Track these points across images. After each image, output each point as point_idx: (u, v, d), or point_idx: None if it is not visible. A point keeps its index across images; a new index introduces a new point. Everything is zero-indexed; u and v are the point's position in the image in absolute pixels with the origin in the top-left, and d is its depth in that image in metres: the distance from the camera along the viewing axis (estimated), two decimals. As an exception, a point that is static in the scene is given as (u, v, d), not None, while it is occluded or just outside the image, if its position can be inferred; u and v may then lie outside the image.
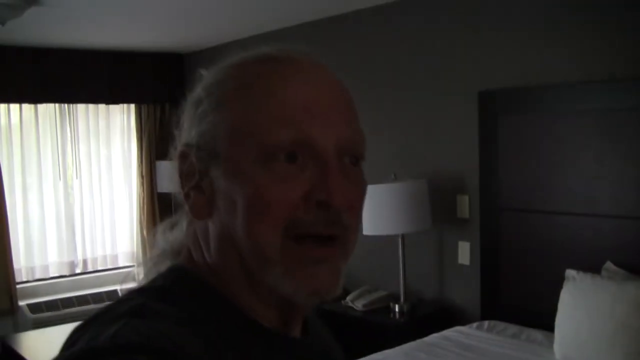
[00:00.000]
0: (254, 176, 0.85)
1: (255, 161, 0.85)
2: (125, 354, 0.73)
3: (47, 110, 6.18)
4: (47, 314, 5.79)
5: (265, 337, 0.91)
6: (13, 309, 5.81)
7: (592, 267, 3.42)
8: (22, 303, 5.86)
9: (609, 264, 3.41)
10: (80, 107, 6.35)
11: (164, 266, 0.97)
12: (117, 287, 6.29)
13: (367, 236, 4.19)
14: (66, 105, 6.26)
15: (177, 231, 1.00)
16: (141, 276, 1.00)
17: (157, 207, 6.60)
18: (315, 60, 0.92)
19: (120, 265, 6.68)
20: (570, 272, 3.42)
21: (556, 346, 3.28)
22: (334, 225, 0.86)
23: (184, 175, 0.93)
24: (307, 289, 0.87)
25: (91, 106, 6.40)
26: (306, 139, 0.85)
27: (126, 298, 0.88)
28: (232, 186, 0.87)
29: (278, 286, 0.87)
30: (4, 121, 5.99)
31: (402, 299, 4.29)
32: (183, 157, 0.93)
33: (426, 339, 3.73)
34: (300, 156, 0.85)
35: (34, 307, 5.83)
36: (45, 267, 6.24)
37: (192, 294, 0.89)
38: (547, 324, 3.50)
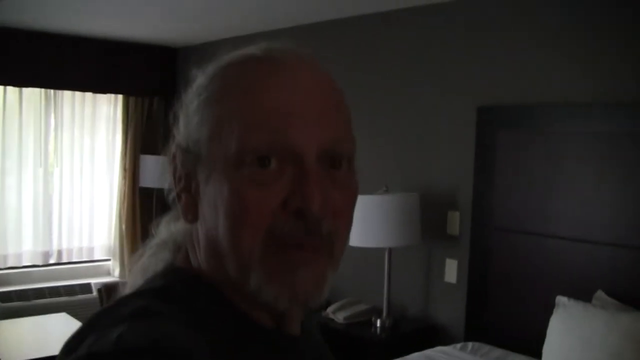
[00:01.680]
0: (232, 180, 0.84)
1: (233, 165, 0.84)
2: (130, 359, 0.72)
3: (33, 94, 6.01)
4: (17, 303, 5.63)
5: (265, 337, 0.90)
6: (-18, 296, 5.66)
7: (583, 294, 3.33)
8: (-8, 291, 5.71)
9: (600, 293, 3.32)
10: (67, 94, 6.18)
11: (161, 257, 0.97)
12: (91, 281, 6.15)
13: (353, 248, 4.08)
14: (52, 91, 6.09)
15: (180, 223, 0.98)
16: (138, 264, 1.00)
17: (138, 202, 6.47)
18: (303, 59, 0.90)
19: (96, 258, 6.54)
20: (561, 299, 3.33)
21: (543, 374, 3.19)
22: (313, 235, 0.84)
23: (175, 177, 0.93)
24: (288, 295, 0.85)
25: (78, 94, 6.23)
26: (283, 143, 0.82)
27: (127, 300, 0.86)
28: (214, 190, 0.86)
29: (259, 292, 0.85)
30: (-13, 103, 5.84)
31: (384, 314, 4.18)
32: (173, 158, 0.93)
33: (408, 357, 3.62)
34: (277, 161, 0.83)
35: (4, 296, 5.66)
36: (19, 256, 6.06)
37: (192, 294, 0.88)
38: (533, 349, 3.43)
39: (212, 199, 0.86)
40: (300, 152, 0.83)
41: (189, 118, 0.90)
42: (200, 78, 0.92)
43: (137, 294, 0.88)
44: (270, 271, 0.84)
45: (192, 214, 0.91)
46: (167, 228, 1.01)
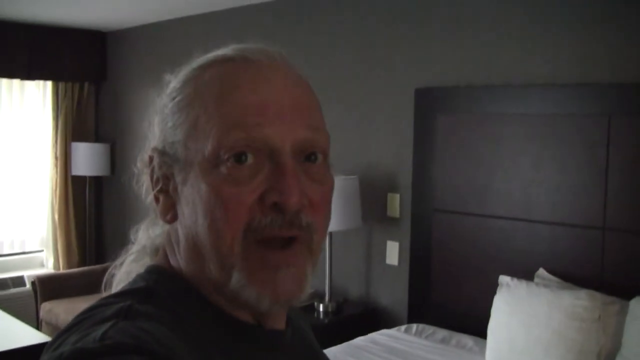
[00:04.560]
0: (210, 179, 0.85)
1: (210, 164, 0.85)
2: (114, 355, 0.73)
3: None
4: (-53, 299, 5.45)
5: (249, 334, 0.91)
6: None
7: (525, 273, 3.36)
8: None
9: (541, 271, 3.36)
10: (-7, 81, 5.96)
11: (143, 263, 0.99)
12: (24, 273, 5.98)
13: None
14: (-22, 78, 5.87)
15: (158, 228, 1.01)
16: (121, 270, 1.02)
17: (71, 191, 6.30)
18: (275, 58, 0.91)
19: (28, 250, 6.35)
20: (504, 279, 3.34)
21: (489, 353, 3.20)
22: (292, 227, 0.85)
23: (152, 179, 0.94)
24: (269, 296, 0.85)
25: (4, 80, 6.02)
26: (259, 140, 0.84)
27: (110, 301, 0.86)
28: (192, 190, 0.87)
29: (240, 292, 0.86)
30: None
31: (327, 299, 4.16)
32: (150, 161, 0.94)
33: (353, 342, 3.60)
34: (253, 157, 0.85)
35: None
36: (-53, 249, 5.86)
37: (175, 294, 0.90)
38: (477, 329, 3.44)
39: (191, 198, 0.87)
40: (276, 147, 0.84)
41: (164, 121, 0.92)
42: (173, 81, 0.94)
43: (120, 294, 0.89)
44: (252, 271, 0.85)
45: (170, 214, 0.92)
46: (146, 233, 1.02)
